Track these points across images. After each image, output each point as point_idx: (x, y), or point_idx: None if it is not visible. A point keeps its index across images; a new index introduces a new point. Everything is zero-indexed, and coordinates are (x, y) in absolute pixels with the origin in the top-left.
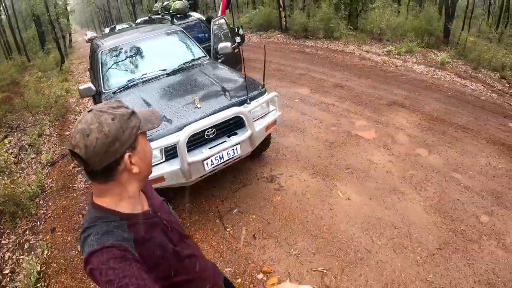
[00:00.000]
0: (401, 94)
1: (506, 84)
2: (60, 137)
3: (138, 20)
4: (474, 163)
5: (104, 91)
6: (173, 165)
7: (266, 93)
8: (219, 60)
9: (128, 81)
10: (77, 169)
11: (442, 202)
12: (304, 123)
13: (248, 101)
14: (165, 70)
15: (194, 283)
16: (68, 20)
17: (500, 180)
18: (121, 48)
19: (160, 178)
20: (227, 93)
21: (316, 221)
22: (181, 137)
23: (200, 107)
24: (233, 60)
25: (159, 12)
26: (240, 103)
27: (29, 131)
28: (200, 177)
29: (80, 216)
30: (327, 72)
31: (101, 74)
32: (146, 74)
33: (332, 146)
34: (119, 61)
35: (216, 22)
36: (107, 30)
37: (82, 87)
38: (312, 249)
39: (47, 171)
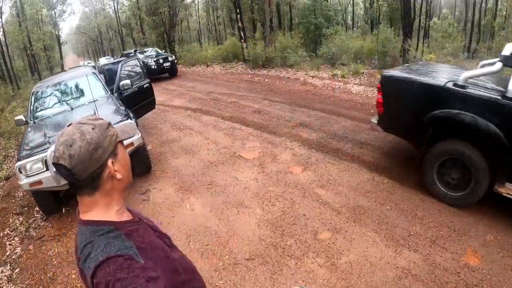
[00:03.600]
0: (315, 115)
1: None
2: None
3: None
4: (352, 179)
5: (29, 121)
6: (49, 173)
7: (128, 121)
8: (124, 95)
9: (45, 114)
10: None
11: (283, 217)
12: (200, 146)
13: None
14: (70, 106)
15: (194, 283)
16: (60, 50)
17: (375, 196)
18: (46, 89)
19: (39, 182)
20: None
21: None
22: (48, 152)
23: None
24: (143, 95)
25: None
26: None
27: None
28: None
29: (12, 214)
30: (257, 99)
31: (29, 108)
32: (58, 109)
33: (210, 166)
34: (42, 99)
35: (126, 63)
36: (102, 59)
37: (16, 118)
38: None
39: (2, 183)
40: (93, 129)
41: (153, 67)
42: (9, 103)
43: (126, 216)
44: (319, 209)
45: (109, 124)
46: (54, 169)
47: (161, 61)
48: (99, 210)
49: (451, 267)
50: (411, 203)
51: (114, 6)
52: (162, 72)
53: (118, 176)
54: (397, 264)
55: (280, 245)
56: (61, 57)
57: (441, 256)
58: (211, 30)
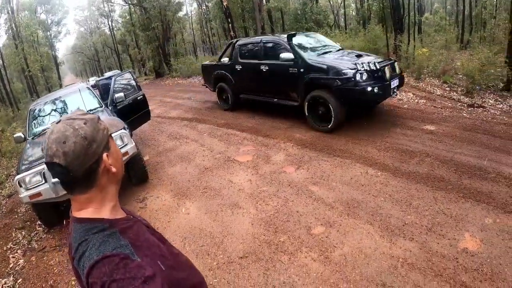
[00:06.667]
0: None
1: (446, 88)
2: None
3: None
4: (345, 174)
5: (27, 137)
6: (48, 185)
7: (121, 131)
8: (118, 107)
9: (42, 130)
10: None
11: (277, 215)
12: (196, 154)
13: None
14: None
15: (192, 279)
16: (58, 71)
17: (369, 189)
18: (43, 106)
19: (38, 194)
20: None
21: None
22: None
23: None
24: (136, 107)
25: None
26: None
27: (0, 172)
28: (66, 193)
29: (14, 229)
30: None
31: (27, 125)
32: None
33: (205, 171)
34: (39, 116)
35: (119, 77)
36: (108, 73)
37: (15, 135)
38: None
39: (5, 201)
40: (85, 123)
41: (368, 89)
42: (9, 125)
43: (120, 214)
44: (312, 205)
45: (99, 118)
46: (47, 169)
47: (387, 73)
48: (94, 206)
49: (449, 254)
50: (406, 193)
51: (109, 24)
52: (380, 97)
53: (113, 169)
54: (393, 253)
55: (274, 242)
56: (59, 77)
57: (438, 243)
58: (206, 41)
